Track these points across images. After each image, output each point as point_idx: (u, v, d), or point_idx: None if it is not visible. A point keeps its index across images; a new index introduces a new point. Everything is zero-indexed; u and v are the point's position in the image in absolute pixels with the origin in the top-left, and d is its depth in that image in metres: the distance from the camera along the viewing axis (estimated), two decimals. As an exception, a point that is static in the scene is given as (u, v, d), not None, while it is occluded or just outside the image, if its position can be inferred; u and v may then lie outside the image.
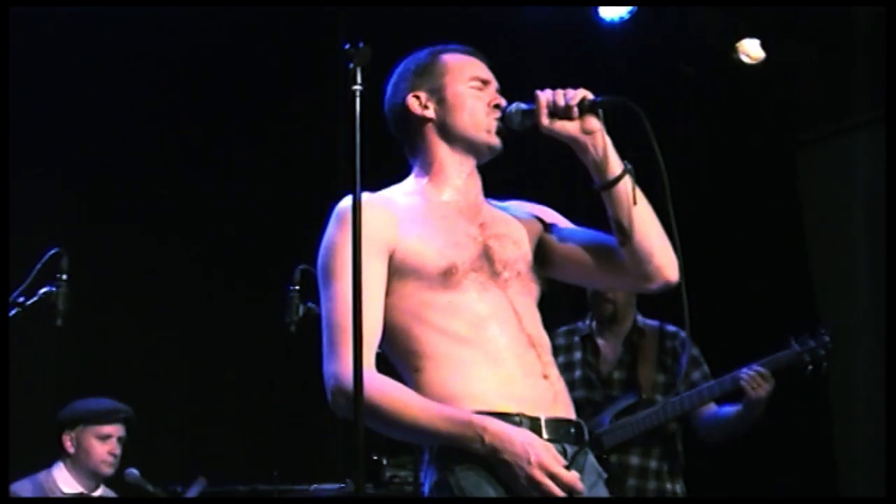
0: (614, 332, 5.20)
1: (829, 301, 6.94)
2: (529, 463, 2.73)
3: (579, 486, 2.77)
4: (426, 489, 2.93)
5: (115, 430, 5.47)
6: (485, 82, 3.17)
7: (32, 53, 6.13)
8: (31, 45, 6.12)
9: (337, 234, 2.99)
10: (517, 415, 2.86)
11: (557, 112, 3.00)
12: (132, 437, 5.55)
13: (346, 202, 3.00)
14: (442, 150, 3.14)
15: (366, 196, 2.96)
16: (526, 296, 3.07)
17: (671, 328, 5.14)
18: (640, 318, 5.20)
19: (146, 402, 5.96)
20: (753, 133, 7.16)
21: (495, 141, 3.12)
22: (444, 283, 2.95)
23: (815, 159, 7.31)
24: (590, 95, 3.01)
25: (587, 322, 5.25)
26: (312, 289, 4.63)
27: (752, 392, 4.90)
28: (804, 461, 6.68)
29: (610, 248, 3.08)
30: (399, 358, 3.00)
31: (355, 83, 2.73)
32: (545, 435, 2.86)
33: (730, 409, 5.05)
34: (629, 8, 6.63)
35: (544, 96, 3.03)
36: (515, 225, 3.17)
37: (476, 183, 3.17)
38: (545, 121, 3.01)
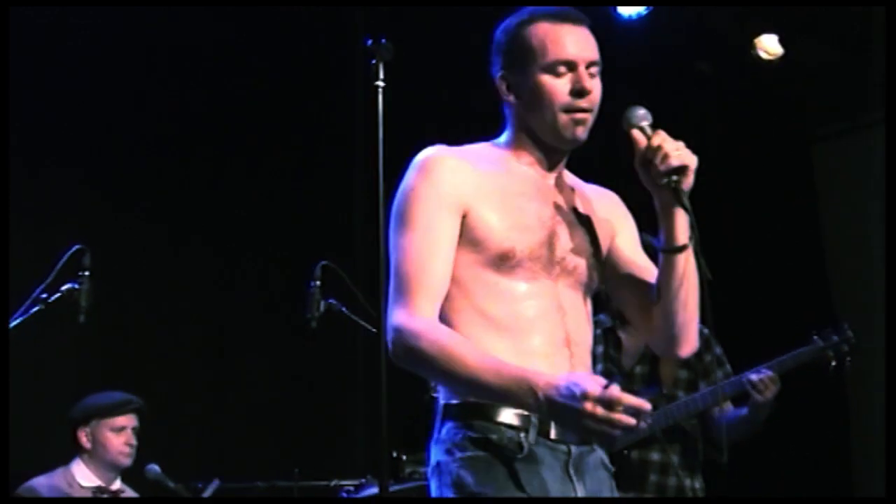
0: (637, 326, 5.19)
1: (846, 297, 6.94)
2: (583, 398, 2.56)
3: (646, 405, 2.59)
4: (430, 470, 2.91)
5: (129, 420, 5.50)
6: (570, 65, 2.92)
7: (57, 47, 6.16)
8: (57, 39, 6.15)
9: (417, 182, 2.90)
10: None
11: (647, 163, 2.88)
12: (153, 432, 5.58)
13: (430, 151, 2.95)
14: (525, 133, 3.01)
15: (451, 149, 2.96)
16: (577, 290, 2.97)
17: (694, 324, 5.13)
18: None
19: (167, 398, 6.00)
20: (769, 129, 7.16)
21: (575, 137, 2.95)
22: (498, 265, 2.88)
23: (831, 156, 7.30)
24: (691, 165, 2.86)
25: (609, 315, 5.24)
26: (333, 285, 4.71)
27: (757, 395, 4.90)
28: (821, 459, 6.68)
29: (649, 294, 3.02)
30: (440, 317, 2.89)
31: (377, 79, 2.72)
32: (553, 434, 2.81)
33: (736, 412, 5.05)
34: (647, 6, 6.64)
35: (643, 139, 2.88)
36: (593, 215, 3.06)
37: (561, 169, 3.05)
38: (636, 162, 2.89)
